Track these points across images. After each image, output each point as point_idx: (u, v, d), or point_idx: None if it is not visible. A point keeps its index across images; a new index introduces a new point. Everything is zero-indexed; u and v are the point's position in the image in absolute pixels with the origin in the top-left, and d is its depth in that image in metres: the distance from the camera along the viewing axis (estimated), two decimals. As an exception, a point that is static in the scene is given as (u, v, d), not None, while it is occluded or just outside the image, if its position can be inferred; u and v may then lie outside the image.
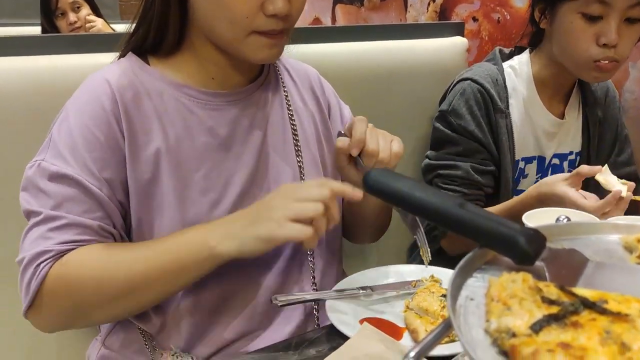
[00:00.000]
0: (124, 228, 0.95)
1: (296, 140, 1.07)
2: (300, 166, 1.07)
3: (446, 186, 1.46)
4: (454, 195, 1.40)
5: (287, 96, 1.09)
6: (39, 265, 0.86)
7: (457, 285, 0.51)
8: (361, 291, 0.98)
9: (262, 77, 1.07)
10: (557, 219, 0.86)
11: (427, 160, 1.52)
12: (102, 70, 0.97)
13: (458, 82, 1.49)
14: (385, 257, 1.62)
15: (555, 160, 1.54)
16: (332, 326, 0.92)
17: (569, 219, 0.85)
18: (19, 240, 0.90)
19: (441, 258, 1.45)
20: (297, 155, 1.07)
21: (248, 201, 0.99)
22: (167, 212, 0.94)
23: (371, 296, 0.99)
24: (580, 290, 0.47)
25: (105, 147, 0.91)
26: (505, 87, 1.46)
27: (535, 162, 1.53)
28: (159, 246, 0.90)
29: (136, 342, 1.00)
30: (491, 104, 1.44)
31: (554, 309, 0.44)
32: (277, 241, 0.86)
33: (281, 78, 1.10)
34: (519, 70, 1.49)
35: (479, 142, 1.44)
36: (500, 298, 0.47)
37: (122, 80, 0.95)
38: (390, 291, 1.00)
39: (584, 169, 1.20)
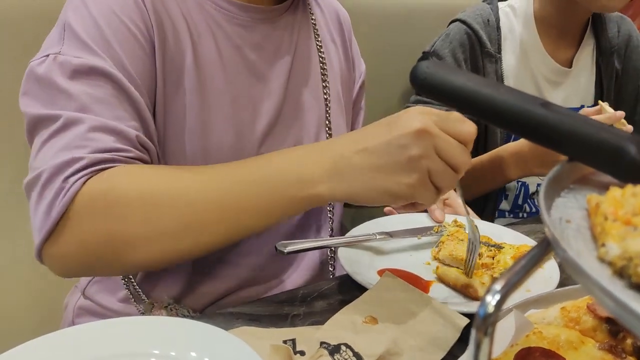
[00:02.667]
0: (157, 145, 0.77)
1: (324, 72, 0.95)
2: (327, 103, 0.94)
3: None
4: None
5: (315, 25, 0.97)
6: (67, 178, 0.64)
7: (547, 205, 0.37)
8: (378, 236, 0.84)
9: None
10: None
11: (405, 105, 1.35)
12: None
13: (449, 24, 1.35)
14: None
15: None
16: (345, 277, 0.79)
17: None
18: None
19: None
20: (325, 87, 0.95)
21: (277, 136, 0.86)
22: (187, 136, 0.79)
23: (388, 244, 0.86)
24: None
25: (138, 39, 0.74)
26: (498, 28, 1.30)
27: None
28: (237, 171, 0.69)
29: (120, 291, 0.87)
30: (479, 47, 1.28)
31: None
32: (404, 201, 0.67)
33: (309, 6, 0.97)
34: (518, 10, 1.32)
35: None
36: (618, 216, 0.33)
37: None
38: (410, 237, 0.87)
39: (589, 111, 1.08)
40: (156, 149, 0.76)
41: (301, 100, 0.91)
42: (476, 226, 0.75)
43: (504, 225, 1.01)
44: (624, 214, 0.33)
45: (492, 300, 0.31)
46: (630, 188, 0.35)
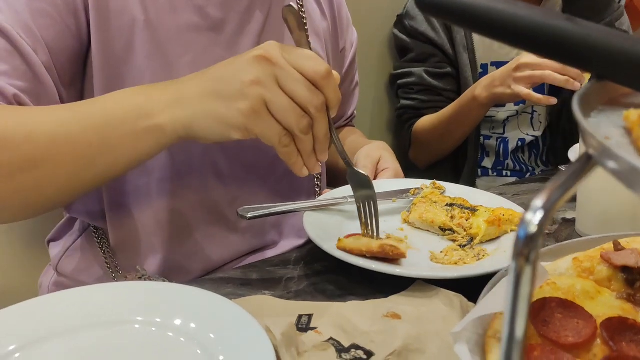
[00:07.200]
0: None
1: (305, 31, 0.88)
2: None
3: (405, 96, 1.40)
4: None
5: None
6: None
7: (584, 114, 0.33)
8: (349, 199, 0.77)
9: None
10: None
11: (391, 72, 1.49)
12: None
13: None
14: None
15: None
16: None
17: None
18: None
19: (413, 171, 1.36)
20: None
21: None
22: None
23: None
24: None
25: (59, 3, 0.69)
26: None
27: None
28: (80, 107, 0.66)
29: (95, 264, 0.83)
30: None
31: None
32: (240, 133, 0.62)
33: None
34: None
35: (432, 44, 1.35)
36: (666, 125, 0.29)
37: None
38: (385, 200, 0.81)
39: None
40: None
41: None
42: (368, 178, 0.70)
43: (503, 185, 0.99)
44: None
45: (533, 218, 0.26)
46: (678, 96, 0.31)
